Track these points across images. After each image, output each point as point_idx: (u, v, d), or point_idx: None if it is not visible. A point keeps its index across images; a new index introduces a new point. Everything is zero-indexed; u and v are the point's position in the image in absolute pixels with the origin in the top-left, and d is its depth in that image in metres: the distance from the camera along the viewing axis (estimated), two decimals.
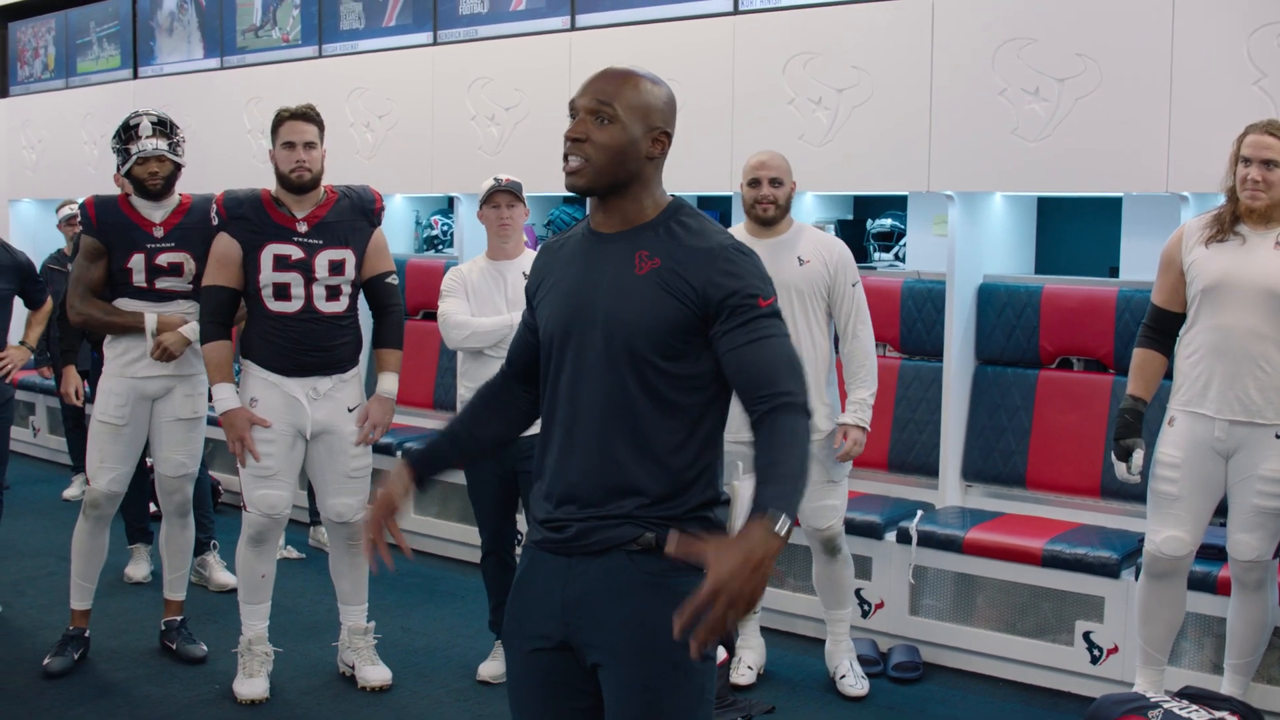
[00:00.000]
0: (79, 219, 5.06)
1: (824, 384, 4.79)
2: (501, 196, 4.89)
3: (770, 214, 4.69)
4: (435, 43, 7.22)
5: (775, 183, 4.68)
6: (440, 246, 7.85)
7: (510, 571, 4.94)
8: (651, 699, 2.51)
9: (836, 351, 4.86)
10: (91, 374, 6.31)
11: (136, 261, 4.96)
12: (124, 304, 4.99)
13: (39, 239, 9.57)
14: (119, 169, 5.05)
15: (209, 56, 8.63)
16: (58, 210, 8.16)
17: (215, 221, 4.71)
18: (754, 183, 4.70)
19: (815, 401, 4.67)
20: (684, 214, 2.58)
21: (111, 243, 4.97)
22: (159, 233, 4.99)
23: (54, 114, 10.05)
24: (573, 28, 6.62)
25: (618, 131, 2.50)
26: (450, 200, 7.89)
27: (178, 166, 5.03)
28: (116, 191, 5.24)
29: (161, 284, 4.99)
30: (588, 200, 2.63)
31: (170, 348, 4.94)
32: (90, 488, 5.09)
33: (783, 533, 2.25)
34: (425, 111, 7.27)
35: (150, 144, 4.94)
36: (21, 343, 5.80)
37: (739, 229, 4.84)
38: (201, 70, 8.68)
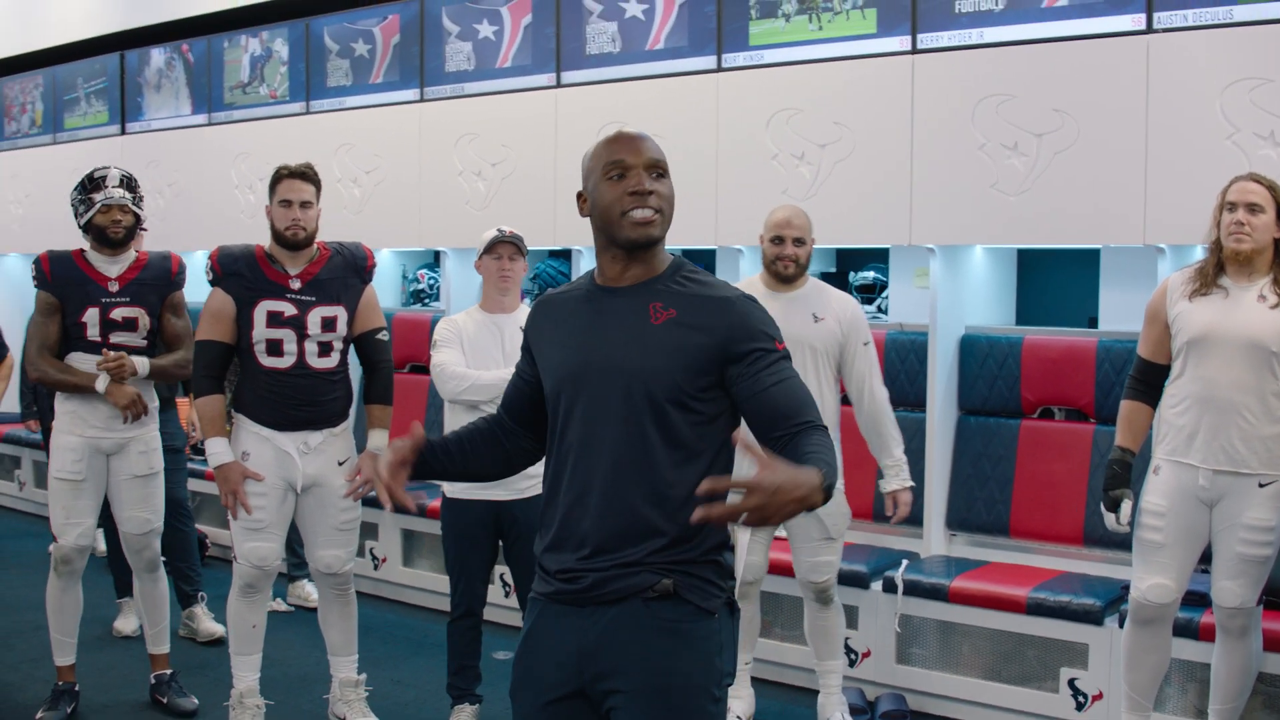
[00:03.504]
0: (34, 274, 5.03)
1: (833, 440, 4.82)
2: (504, 247, 4.89)
3: (790, 271, 4.75)
4: (422, 99, 7.30)
5: (798, 242, 4.75)
6: (427, 300, 7.92)
7: (479, 636, 4.97)
8: None
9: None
10: None
11: (90, 315, 4.95)
12: (77, 358, 4.98)
13: (26, 294, 9.47)
14: (77, 218, 5.03)
15: (197, 113, 8.70)
16: None
17: (209, 277, 4.75)
18: (777, 240, 4.76)
19: None
20: (688, 269, 2.69)
21: (66, 296, 4.96)
22: (114, 287, 4.99)
23: (41, 169, 10.09)
24: (558, 84, 6.70)
25: (670, 185, 2.66)
26: (436, 254, 7.96)
27: (138, 220, 5.07)
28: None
29: (115, 338, 4.98)
30: (604, 255, 2.70)
31: (133, 408, 4.96)
32: (58, 544, 5.06)
33: (827, 489, 2.34)
34: (412, 167, 7.35)
35: (117, 192, 4.96)
36: None
37: (754, 281, 4.90)
38: (190, 126, 8.75)
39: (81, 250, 5.08)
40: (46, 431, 7.75)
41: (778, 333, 2.65)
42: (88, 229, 5.02)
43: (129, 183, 5.05)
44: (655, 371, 2.58)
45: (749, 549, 4.66)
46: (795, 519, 4.54)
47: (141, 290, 5.04)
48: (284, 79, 8.04)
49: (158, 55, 8.97)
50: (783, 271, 4.76)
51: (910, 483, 4.85)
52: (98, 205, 4.96)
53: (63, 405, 5.04)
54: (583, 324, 2.69)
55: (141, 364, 4.97)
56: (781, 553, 5.11)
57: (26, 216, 10.28)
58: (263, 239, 4.89)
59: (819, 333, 4.76)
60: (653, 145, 2.67)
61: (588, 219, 2.72)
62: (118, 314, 4.99)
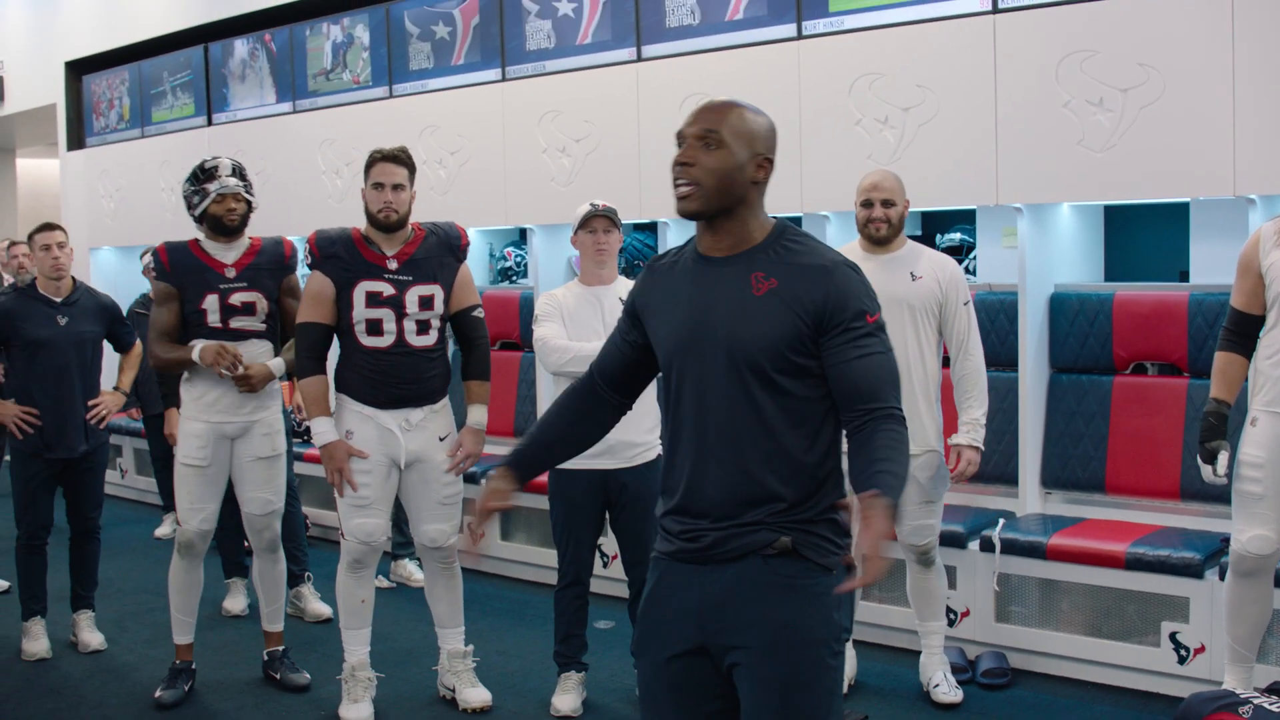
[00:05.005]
0: (151, 264, 5.20)
1: (932, 400, 4.86)
2: (598, 221, 4.93)
3: (883, 233, 4.80)
4: (504, 78, 7.38)
5: (887, 204, 4.80)
6: (514, 278, 8.01)
7: (586, 605, 5.05)
8: (789, 694, 2.65)
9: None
10: None
11: (210, 302, 5.09)
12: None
13: (119, 286, 9.76)
14: (191, 209, 5.16)
15: (281, 101, 8.85)
16: (142, 256, 8.37)
17: (309, 261, 4.85)
18: (867, 204, 4.82)
19: (924, 418, 4.78)
20: (790, 235, 2.73)
21: (185, 285, 5.10)
22: (231, 273, 5.12)
23: (131, 163, 10.31)
24: (639, 58, 6.75)
25: (725, 156, 2.66)
26: (522, 232, 8.05)
27: (250, 207, 5.20)
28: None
29: (235, 323, 5.12)
30: (695, 225, 2.76)
31: (254, 380, 5.07)
32: (182, 529, 5.23)
33: (894, 506, 2.50)
34: (497, 146, 7.43)
35: (231, 181, 5.10)
36: (115, 388, 5.96)
37: (853, 246, 4.93)
38: (275, 115, 8.90)
39: (196, 240, 5.22)
40: (148, 420, 7.98)
41: (873, 304, 2.68)
42: (202, 219, 5.15)
43: (240, 171, 5.19)
44: (759, 342, 2.63)
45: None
46: None
47: (258, 275, 5.17)
48: (366, 64, 8.15)
49: (241, 46, 9.12)
50: (875, 234, 4.81)
51: (979, 445, 4.86)
52: (212, 194, 5.09)
53: (189, 392, 5.19)
54: (688, 294, 2.75)
55: (277, 365, 5.13)
56: None
57: (118, 210, 10.51)
58: (350, 223, 5.00)
59: (917, 291, 4.78)
60: (715, 114, 2.70)
61: None
62: (236, 299, 5.12)
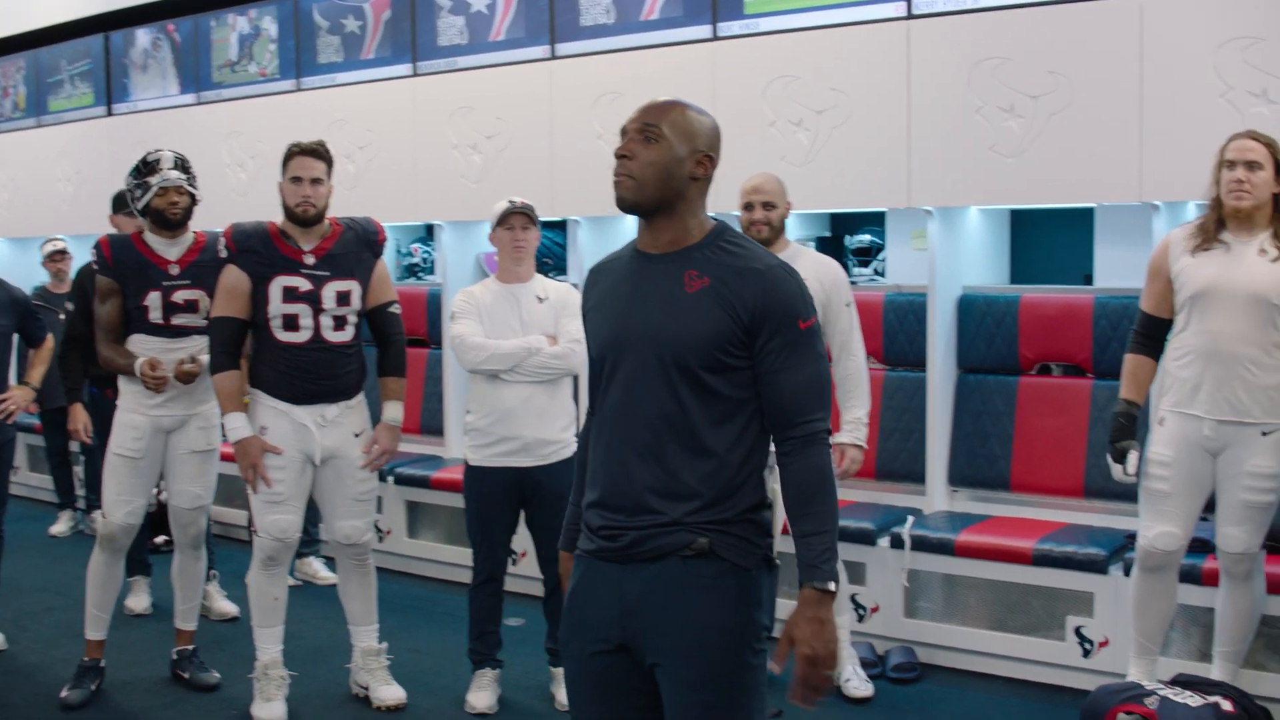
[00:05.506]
0: (94, 259, 5.10)
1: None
2: (516, 218, 4.93)
3: (764, 235, 4.85)
4: (415, 74, 7.33)
5: (768, 206, 4.85)
6: (420, 274, 7.97)
7: (500, 603, 5.05)
8: (709, 694, 2.67)
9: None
10: (91, 410, 6.34)
11: (153, 299, 5.02)
12: (138, 340, 5.04)
13: (14, 279, 9.50)
14: (134, 202, 5.10)
15: (185, 92, 8.70)
16: (42, 247, 8.21)
17: (223, 254, 4.80)
18: (748, 206, 4.88)
19: None
20: (729, 236, 2.74)
21: (127, 280, 5.02)
22: (175, 270, 5.06)
23: (26, 153, 10.07)
24: (553, 56, 6.74)
25: (663, 149, 2.69)
26: (429, 228, 8.00)
27: (194, 201, 5.12)
28: (106, 230, 5.29)
29: (177, 320, 5.05)
30: (637, 222, 2.78)
31: (197, 369, 5.01)
32: (106, 520, 5.14)
33: (834, 589, 2.61)
34: (407, 141, 7.38)
35: (173, 174, 5.03)
36: (24, 382, 5.83)
37: None
38: (178, 106, 8.75)
39: (139, 233, 5.13)
40: (46, 415, 7.82)
41: (807, 309, 2.70)
42: (145, 212, 5.07)
43: (183, 164, 5.11)
44: (689, 340, 2.64)
45: None
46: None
47: (201, 272, 5.06)
48: (274, 57, 8.05)
49: (143, 36, 8.96)
50: (756, 236, 4.84)
51: (862, 443, 4.93)
52: (154, 188, 5.01)
53: (128, 385, 5.12)
54: (625, 291, 2.76)
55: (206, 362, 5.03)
56: None
57: (13, 201, 10.27)
58: (254, 216, 4.96)
59: None
60: (657, 110, 2.73)
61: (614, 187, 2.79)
62: (179, 296, 5.05)
